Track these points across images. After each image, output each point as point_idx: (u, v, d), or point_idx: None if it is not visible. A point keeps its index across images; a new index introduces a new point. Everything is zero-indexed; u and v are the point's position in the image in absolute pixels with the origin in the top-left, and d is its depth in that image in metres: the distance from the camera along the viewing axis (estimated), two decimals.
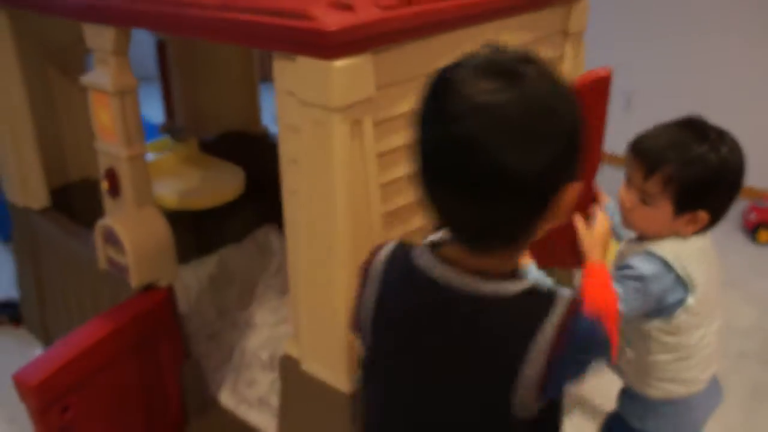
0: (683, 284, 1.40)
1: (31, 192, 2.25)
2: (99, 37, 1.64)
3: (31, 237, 2.31)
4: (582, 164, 0.89)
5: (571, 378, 0.95)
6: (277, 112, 1.33)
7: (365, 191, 1.32)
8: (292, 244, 1.42)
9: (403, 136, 1.37)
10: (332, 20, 1.18)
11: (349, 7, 1.22)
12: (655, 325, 1.44)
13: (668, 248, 1.40)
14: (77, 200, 2.36)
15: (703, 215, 1.39)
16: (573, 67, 1.87)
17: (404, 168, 1.40)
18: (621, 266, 1.43)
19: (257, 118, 2.83)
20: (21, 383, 1.57)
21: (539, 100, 0.84)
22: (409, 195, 1.43)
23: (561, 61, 1.84)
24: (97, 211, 2.00)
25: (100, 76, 1.67)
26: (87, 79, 1.71)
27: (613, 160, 4.08)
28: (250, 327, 2.37)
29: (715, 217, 1.41)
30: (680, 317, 1.42)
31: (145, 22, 1.55)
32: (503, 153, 0.82)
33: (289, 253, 1.44)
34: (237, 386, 2.14)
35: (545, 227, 0.91)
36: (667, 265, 1.39)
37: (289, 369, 1.55)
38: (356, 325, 1.07)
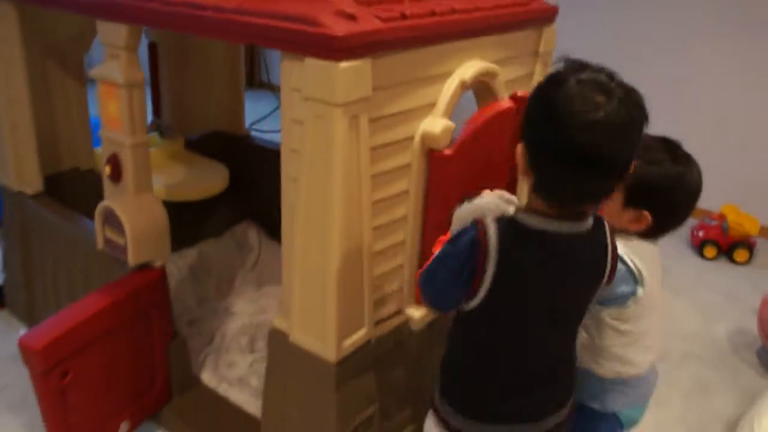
0: (635, 278, 1.56)
1: (25, 177, 2.37)
2: (112, 34, 1.78)
3: (22, 221, 2.43)
4: None
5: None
6: (282, 106, 1.49)
7: (358, 181, 1.48)
8: (287, 226, 1.58)
9: (392, 134, 1.55)
10: (339, 27, 1.35)
11: (353, 17, 1.39)
12: (608, 312, 1.60)
13: (624, 246, 1.56)
14: (67, 188, 2.48)
15: (646, 216, 1.54)
16: None
17: (392, 162, 1.58)
18: None
19: (241, 120, 2.99)
20: (26, 347, 1.69)
21: (629, 108, 1.16)
22: (394, 186, 1.61)
23: (530, 78, 2.03)
24: (86, 199, 2.13)
25: (110, 69, 1.81)
26: (97, 71, 1.85)
27: None
28: (229, 315, 2.52)
29: (659, 225, 1.57)
30: (630, 307, 1.58)
31: (160, 23, 1.70)
32: (612, 150, 1.15)
33: (284, 235, 1.60)
34: (218, 367, 2.28)
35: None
36: (622, 260, 1.54)
37: (277, 341, 1.70)
38: (473, 291, 1.29)
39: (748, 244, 3.42)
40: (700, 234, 3.48)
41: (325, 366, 1.60)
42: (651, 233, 1.59)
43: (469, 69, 1.68)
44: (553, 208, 1.24)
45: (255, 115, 4.01)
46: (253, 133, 3.11)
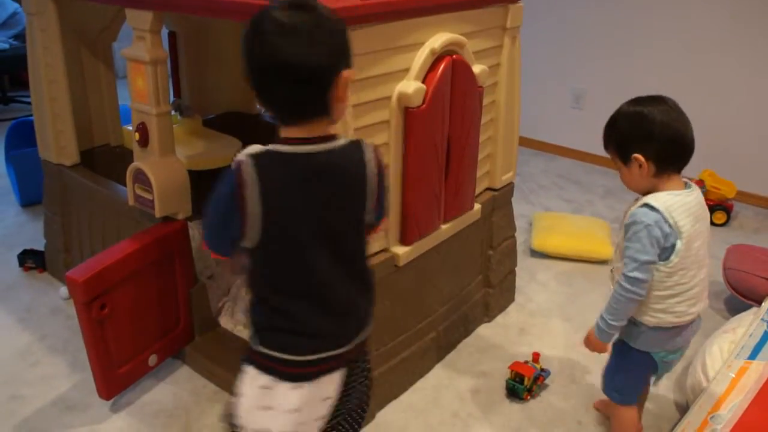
0: (673, 230, 1.69)
1: (64, 151, 2.70)
2: (139, 19, 2.10)
3: (62, 190, 2.76)
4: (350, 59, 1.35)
5: (386, 187, 1.46)
6: None
7: (343, 133, 1.79)
8: None
9: (371, 93, 1.86)
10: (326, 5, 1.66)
11: None
12: (655, 267, 1.72)
13: (661, 200, 1.70)
14: (100, 161, 2.81)
15: (639, 158, 1.72)
16: (509, 56, 2.38)
17: (372, 117, 1.89)
18: (628, 224, 1.73)
19: (253, 100, 3.30)
20: (71, 280, 2.01)
21: (315, 16, 1.29)
22: (376, 139, 1.92)
23: (500, 50, 2.34)
24: (116, 170, 2.45)
25: (137, 49, 2.13)
26: (127, 51, 2.16)
27: (565, 152, 4.63)
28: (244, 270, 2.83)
29: (659, 161, 1.72)
30: (674, 260, 1.70)
31: (181, 7, 2.02)
32: (300, 55, 1.26)
33: None
34: (234, 313, 2.59)
35: (340, 105, 1.35)
36: (661, 214, 1.69)
37: None
38: (242, 233, 1.34)
39: (726, 207, 3.69)
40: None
41: None
42: (664, 170, 1.74)
43: (438, 40, 1.99)
44: (296, 131, 1.33)
45: None
46: (264, 113, 3.43)
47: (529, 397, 2.29)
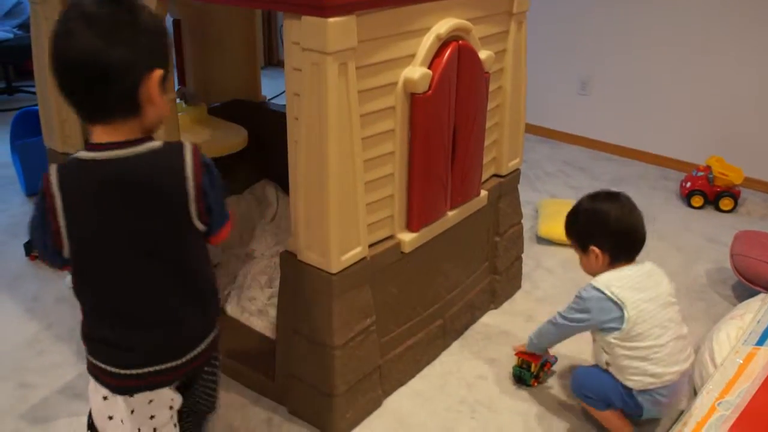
0: (615, 303, 1.90)
1: (69, 140, 2.69)
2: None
3: None
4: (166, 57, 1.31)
5: (218, 191, 1.38)
6: (285, 57, 1.80)
7: (349, 118, 1.78)
8: (293, 160, 1.89)
9: (377, 79, 1.85)
10: None
11: None
12: (613, 336, 1.92)
13: (601, 279, 1.96)
14: None
15: (595, 250, 2.00)
16: (516, 41, 2.36)
17: (378, 104, 1.88)
18: (577, 294, 2.01)
19: (258, 89, 3.29)
20: None
21: (129, 15, 1.24)
22: (382, 125, 1.91)
23: (506, 35, 2.32)
24: None
25: None
26: None
27: (571, 139, 4.62)
28: (250, 258, 2.84)
29: (613, 252, 1.99)
30: (625, 327, 1.89)
31: None
32: (82, 51, 1.20)
33: (290, 168, 1.91)
34: (240, 301, 2.60)
35: (152, 108, 1.30)
36: (599, 290, 1.93)
37: (288, 261, 2.01)
38: (59, 245, 1.32)
39: (733, 194, 3.67)
40: (688, 185, 3.75)
41: (326, 277, 1.91)
42: (616, 260, 2.00)
43: (444, 25, 1.97)
44: (101, 132, 1.28)
45: (274, 90, 4.32)
46: (269, 101, 3.42)
47: (536, 384, 2.29)
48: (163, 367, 1.41)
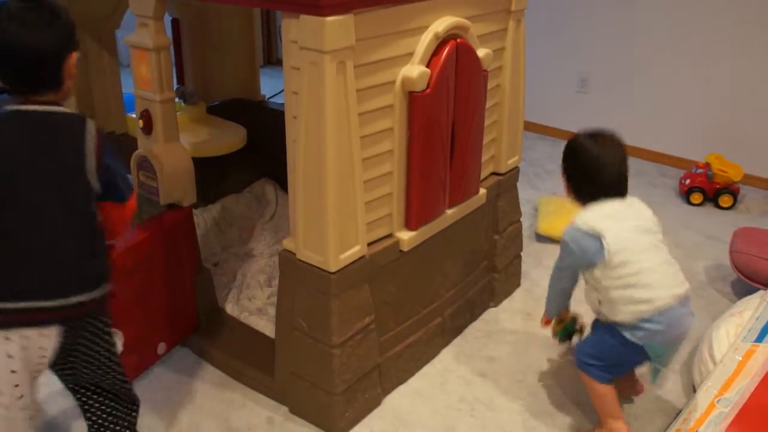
0: (591, 235, 1.89)
1: None
2: (142, 5, 2.09)
3: None
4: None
5: (116, 166, 1.63)
6: (283, 55, 1.80)
7: (347, 117, 1.78)
8: (292, 159, 1.89)
9: (375, 78, 1.85)
10: None
11: None
12: (598, 269, 1.91)
13: (579, 216, 1.96)
14: None
15: (564, 177, 2.09)
16: (514, 40, 2.36)
17: (376, 102, 1.88)
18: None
19: (257, 88, 3.30)
20: None
21: (44, 11, 1.53)
22: (380, 123, 1.91)
23: (504, 33, 2.32)
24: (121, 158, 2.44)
25: (141, 36, 2.12)
26: (130, 38, 2.15)
27: (570, 136, 4.59)
28: (249, 257, 2.84)
29: (575, 185, 2.04)
30: (608, 258, 1.87)
31: None
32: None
33: (289, 167, 1.91)
34: (240, 300, 2.60)
35: (69, 81, 1.59)
36: (575, 226, 1.94)
37: (287, 260, 2.01)
38: None
39: (732, 191, 3.67)
40: (687, 182, 3.75)
41: (325, 276, 1.91)
42: (580, 193, 2.03)
43: (442, 23, 1.97)
44: (26, 102, 1.56)
45: (273, 89, 4.31)
46: (268, 100, 3.42)
47: (582, 335, 2.27)
48: (39, 305, 1.52)
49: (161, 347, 2.34)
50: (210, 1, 1.99)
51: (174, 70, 3.06)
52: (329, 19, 1.65)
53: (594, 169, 1.97)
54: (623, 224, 1.91)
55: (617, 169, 1.97)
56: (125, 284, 2.10)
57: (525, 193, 3.31)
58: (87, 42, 2.70)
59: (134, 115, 2.28)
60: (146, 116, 2.20)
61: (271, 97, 3.49)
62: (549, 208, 3.40)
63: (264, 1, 1.82)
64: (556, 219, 3.30)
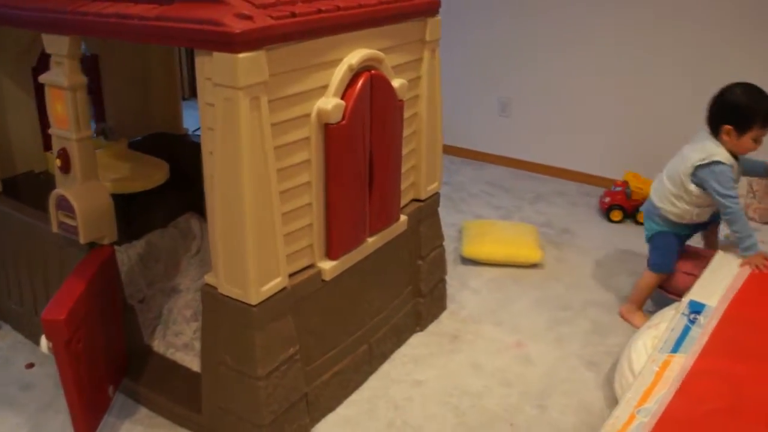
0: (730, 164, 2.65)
1: None
2: (56, 44, 2.08)
3: None
4: None
5: None
6: (198, 92, 1.82)
7: (262, 151, 1.81)
8: (210, 194, 1.90)
9: (290, 111, 1.88)
10: (238, 26, 1.67)
11: (249, 17, 1.71)
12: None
13: (716, 153, 2.67)
14: (23, 189, 2.77)
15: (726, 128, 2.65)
16: (429, 69, 2.42)
17: (292, 136, 1.91)
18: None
19: (179, 122, 3.29)
20: (50, 320, 1.92)
21: None
22: (297, 156, 1.94)
23: (420, 63, 2.38)
24: (41, 197, 2.41)
25: (56, 74, 2.11)
26: (45, 77, 2.14)
27: (494, 159, 4.72)
28: (175, 292, 2.82)
29: (738, 128, 2.62)
30: None
31: (94, 31, 2.00)
32: None
33: (207, 202, 1.92)
34: (166, 336, 2.58)
35: None
36: (721, 160, 2.65)
37: (209, 295, 2.02)
38: None
39: None
40: (607, 200, 3.87)
41: (247, 309, 1.92)
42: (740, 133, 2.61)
43: (355, 56, 2.02)
44: None
45: (197, 122, 4.32)
46: (191, 134, 3.41)
47: None
48: None
49: (111, 390, 2.29)
50: (125, 40, 1.98)
51: (92, 107, 3.05)
52: (241, 55, 1.68)
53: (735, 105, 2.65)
54: None
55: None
56: (85, 327, 2.07)
57: (450, 217, 3.38)
58: (2, 79, 2.66)
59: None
60: (64, 155, 2.19)
61: (194, 131, 3.49)
62: (473, 231, 3.46)
63: (177, 40, 1.83)
64: (480, 242, 3.36)
